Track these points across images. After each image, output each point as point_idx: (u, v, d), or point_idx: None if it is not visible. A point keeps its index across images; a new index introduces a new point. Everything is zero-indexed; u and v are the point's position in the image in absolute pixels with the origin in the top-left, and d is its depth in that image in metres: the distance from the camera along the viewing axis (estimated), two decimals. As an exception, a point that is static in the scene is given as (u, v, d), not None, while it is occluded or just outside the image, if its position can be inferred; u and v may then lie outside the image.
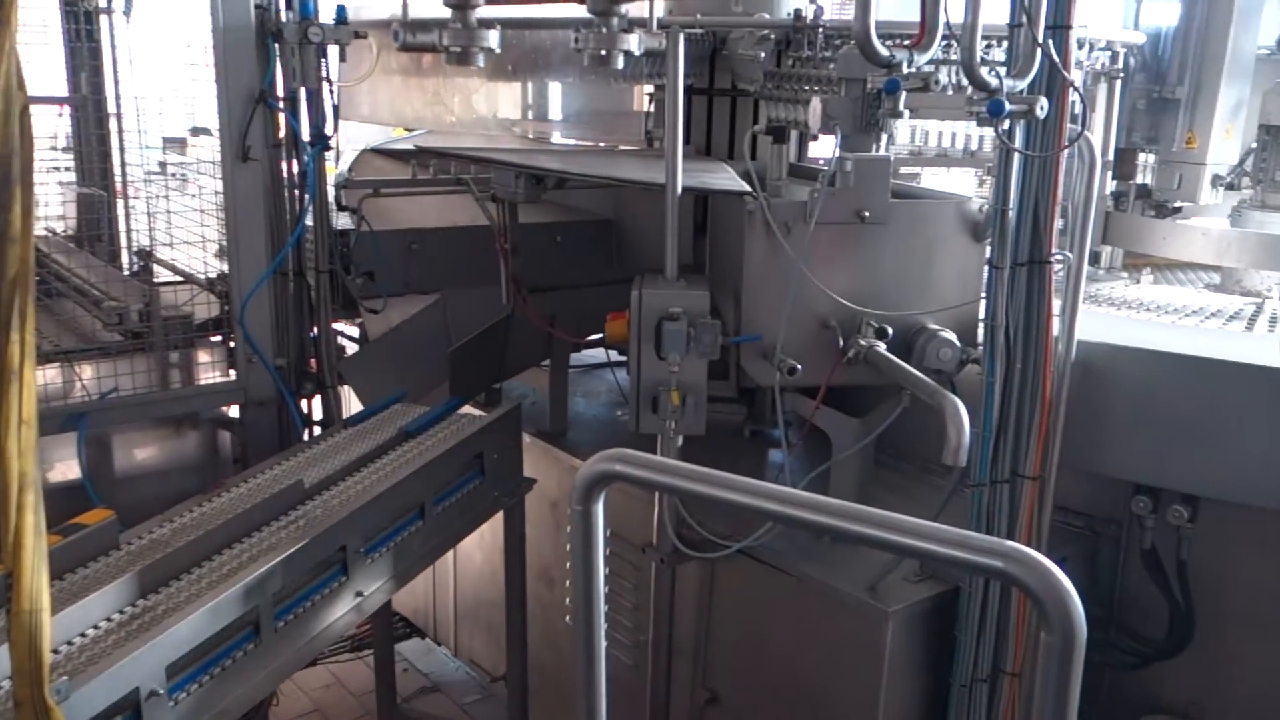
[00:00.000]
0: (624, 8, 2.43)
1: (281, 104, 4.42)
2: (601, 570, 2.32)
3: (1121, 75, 5.59)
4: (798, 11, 4.09)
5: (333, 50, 4.46)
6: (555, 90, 6.01)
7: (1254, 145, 5.96)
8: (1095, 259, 6.10)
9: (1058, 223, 3.40)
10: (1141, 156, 6.66)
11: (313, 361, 4.81)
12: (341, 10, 4.34)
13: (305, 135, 4.52)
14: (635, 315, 3.87)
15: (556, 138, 7.16)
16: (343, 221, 4.84)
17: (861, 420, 3.97)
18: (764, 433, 5.12)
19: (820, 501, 2.04)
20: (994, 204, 3.33)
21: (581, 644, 2.42)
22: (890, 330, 3.80)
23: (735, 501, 2.10)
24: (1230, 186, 6.35)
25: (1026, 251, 3.41)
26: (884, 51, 3.16)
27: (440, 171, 4.93)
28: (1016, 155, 3.29)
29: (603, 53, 2.41)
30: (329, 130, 4.57)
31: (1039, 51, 3.07)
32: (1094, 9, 6.27)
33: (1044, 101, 3.03)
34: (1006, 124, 3.09)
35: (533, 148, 5.26)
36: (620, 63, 2.44)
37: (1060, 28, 3.23)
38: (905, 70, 3.23)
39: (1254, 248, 5.13)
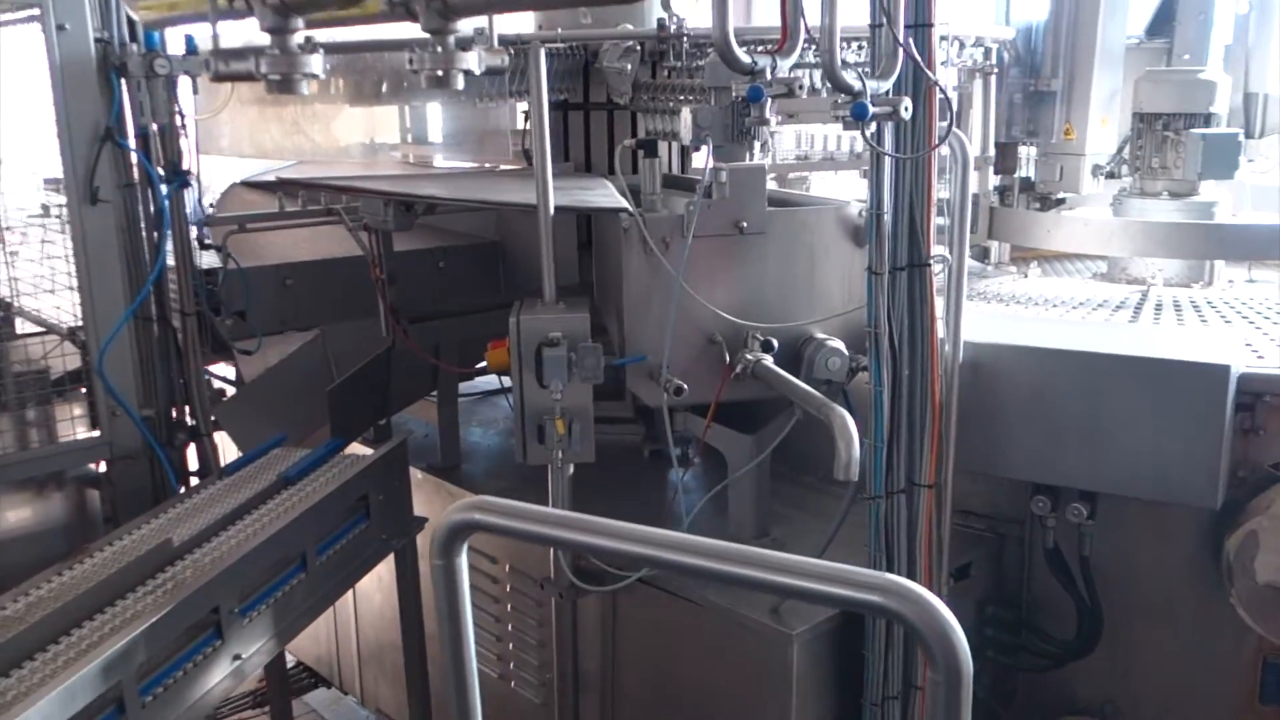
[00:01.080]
0: (460, 24, 2.29)
1: (132, 141, 4.17)
2: (470, 627, 2.16)
3: (995, 71, 5.62)
4: (661, 21, 3.98)
5: (187, 81, 4.24)
6: (434, 111, 5.85)
7: (1130, 134, 6.03)
8: (984, 254, 6.13)
9: (935, 223, 3.34)
10: (1023, 150, 6.74)
11: (186, 409, 4.57)
12: (191, 41, 4.12)
13: (160, 173, 4.27)
14: (514, 342, 3.73)
15: (439, 160, 7.00)
16: (210, 260, 4.60)
17: (755, 436, 3.87)
18: (664, 451, 5.00)
19: (693, 543, 1.92)
20: (869, 209, 3.25)
21: (455, 701, 2.26)
22: (775, 343, 3.71)
23: (604, 548, 1.97)
24: (1111, 175, 6.44)
25: (905, 255, 3.34)
26: (746, 58, 3.07)
27: (311, 202, 4.73)
28: (887, 158, 3.21)
29: (439, 73, 2.27)
30: (187, 166, 4.33)
31: (900, 51, 3.00)
32: (963, 6, 6.32)
33: (908, 102, 2.96)
34: (873, 127, 3.01)
35: (409, 172, 5.08)
36: (460, 83, 2.31)
37: (922, 26, 3.17)
38: (769, 76, 3.14)
39: (1135, 236, 5.18)
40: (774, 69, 3.14)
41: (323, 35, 3.00)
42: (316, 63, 2.41)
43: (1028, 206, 6.80)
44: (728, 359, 3.75)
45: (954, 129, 3.44)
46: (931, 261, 3.37)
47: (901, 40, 3.00)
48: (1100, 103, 6.30)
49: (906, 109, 2.94)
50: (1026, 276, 5.45)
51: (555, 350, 3.60)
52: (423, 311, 4.70)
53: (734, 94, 3.34)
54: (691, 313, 3.73)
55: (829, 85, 3.11)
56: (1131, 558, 3.84)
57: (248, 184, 5.36)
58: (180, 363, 4.49)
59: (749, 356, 3.73)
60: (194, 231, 4.55)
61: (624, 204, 3.74)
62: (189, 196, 4.40)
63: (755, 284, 3.83)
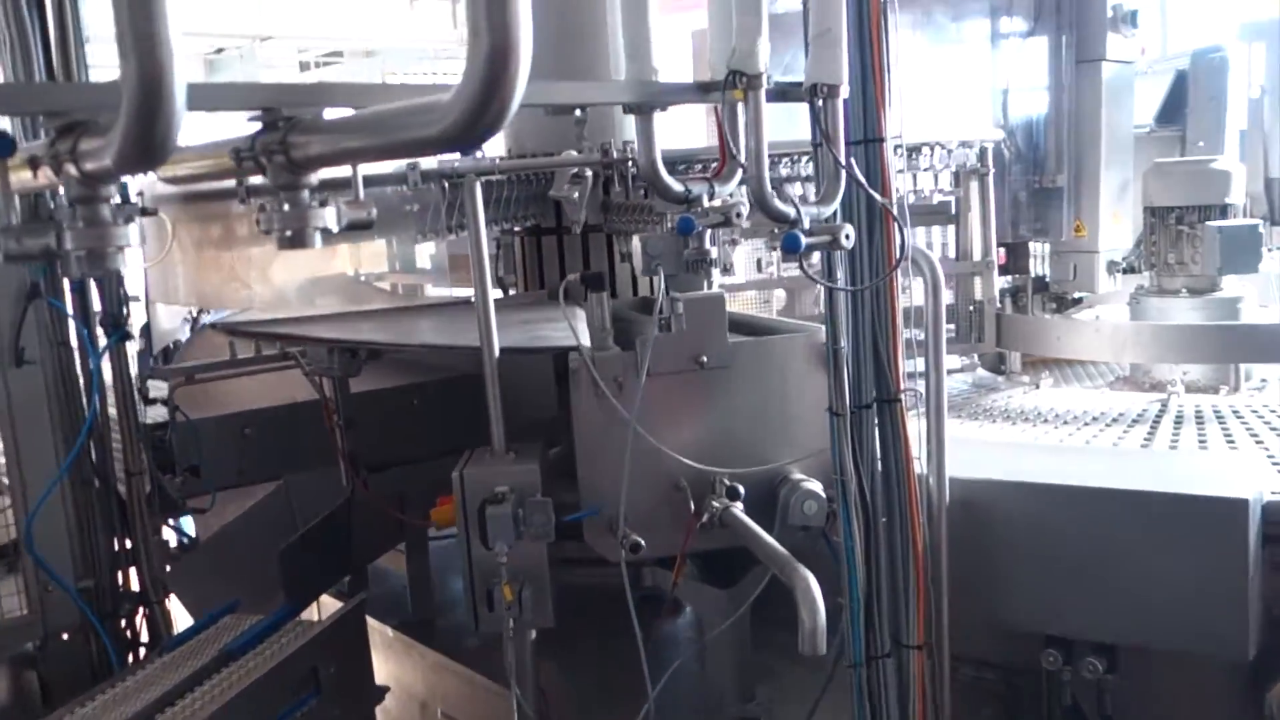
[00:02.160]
0: (314, 177, 2.05)
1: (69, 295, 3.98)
2: None
3: (989, 171, 5.32)
4: (604, 146, 3.75)
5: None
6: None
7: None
8: (1000, 363, 5.74)
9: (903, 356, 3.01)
10: (1036, 247, 6.41)
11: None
12: (123, 188, 3.94)
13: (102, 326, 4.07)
14: (458, 498, 3.41)
15: (430, 289, 6.80)
16: (158, 413, 4.37)
17: (730, 591, 3.50)
18: (653, 595, 4.61)
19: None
20: (826, 342, 2.93)
21: None
22: (742, 489, 3.36)
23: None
24: (1130, 270, 6.08)
25: (871, 390, 3.00)
26: (677, 186, 2.79)
27: (268, 346, 4.50)
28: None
29: (288, 234, 2.02)
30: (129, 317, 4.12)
31: (843, 174, 2.71)
32: (954, 107, 6.07)
33: (849, 230, 2.65)
34: (817, 256, 2.71)
35: (372, 307, 4.83)
36: (315, 241, 2.07)
37: (872, 141, 2.88)
38: (707, 203, 2.86)
39: (1151, 341, 4.79)
40: (711, 195, 2.86)
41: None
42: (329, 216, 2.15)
43: (1043, 307, 6.45)
44: (693, 507, 3.40)
45: (918, 247, 3.13)
46: (903, 395, 3.03)
47: (843, 161, 2.71)
48: (1111, 197, 5.97)
49: (848, 237, 2.64)
50: (1038, 387, 5.06)
51: (499, 508, 3.28)
52: (388, 456, 4.41)
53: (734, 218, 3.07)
54: (651, 458, 3.40)
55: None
56: (1160, 717, 3.38)
57: (215, 326, 5.15)
58: (126, 526, 4.21)
59: (715, 504, 3.38)
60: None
61: (572, 342, 3.44)
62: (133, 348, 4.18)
63: (721, 423, 3.50)
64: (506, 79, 1.55)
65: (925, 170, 4.63)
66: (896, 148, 2.96)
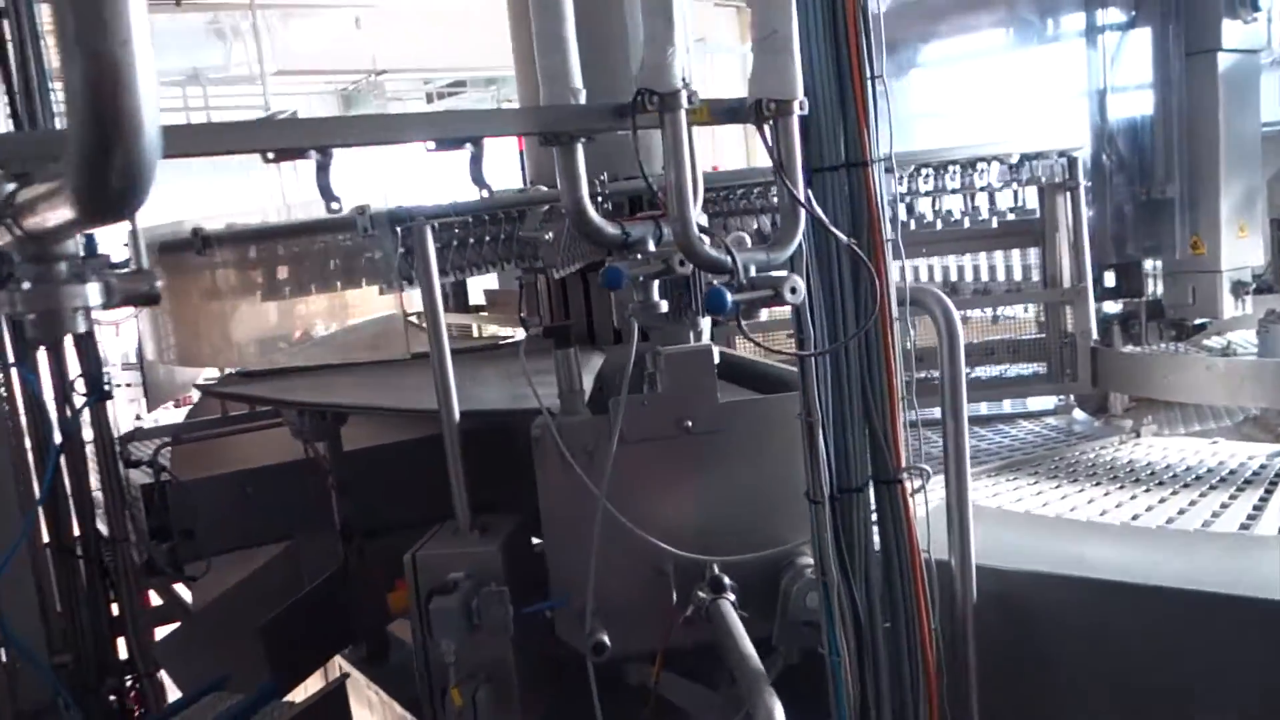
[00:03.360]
0: (70, 245, 1.68)
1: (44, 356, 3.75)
2: None
3: (1076, 185, 4.63)
4: (533, 183, 3.29)
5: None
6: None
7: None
8: (1103, 404, 5.02)
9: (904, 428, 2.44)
10: (1152, 265, 5.64)
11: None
12: (91, 241, 3.69)
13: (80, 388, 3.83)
14: (411, 583, 3.01)
15: (474, 329, 6.46)
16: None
17: (724, 690, 2.98)
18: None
19: None
20: (800, 414, 2.40)
21: None
22: (728, 580, 2.83)
23: None
24: (1265, 290, 5.28)
25: (864, 470, 2.46)
26: (611, 229, 2.31)
27: (260, 404, 4.20)
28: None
29: (35, 320, 1.66)
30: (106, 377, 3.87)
31: (802, 212, 2.19)
32: (1043, 117, 5.39)
33: (796, 282, 2.12)
34: (765, 314, 2.18)
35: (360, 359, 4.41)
36: (78, 325, 1.70)
37: (854, 165, 2.35)
38: (652, 247, 2.37)
39: (1273, 381, 4.02)
40: (659, 239, 2.36)
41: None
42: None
43: (1160, 336, 5.67)
44: (674, 598, 2.90)
45: (925, 286, 2.57)
46: (907, 476, 2.47)
47: (801, 196, 2.18)
48: (1234, 207, 5.17)
49: (794, 290, 2.11)
50: (1138, 435, 4.33)
51: (446, 600, 2.85)
52: (386, 520, 4.04)
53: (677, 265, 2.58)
54: (629, 539, 2.91)
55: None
56: None
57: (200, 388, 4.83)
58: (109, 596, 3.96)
59: (701, 595, 2.87)
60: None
61: (539, 405, 2.99)
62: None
63: (712, 498, 3.00)
64: (120, 120, 1.10)
65: (1002, 187, 4.00)
66: (893, 169, 2.41)
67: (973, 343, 5.21)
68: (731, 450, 2.99)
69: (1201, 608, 2.46)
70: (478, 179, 2.29)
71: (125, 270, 1.83)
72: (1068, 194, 4.68)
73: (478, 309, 6.32)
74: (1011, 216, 4.51)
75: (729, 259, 2.10)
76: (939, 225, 3.97)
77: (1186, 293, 5.32)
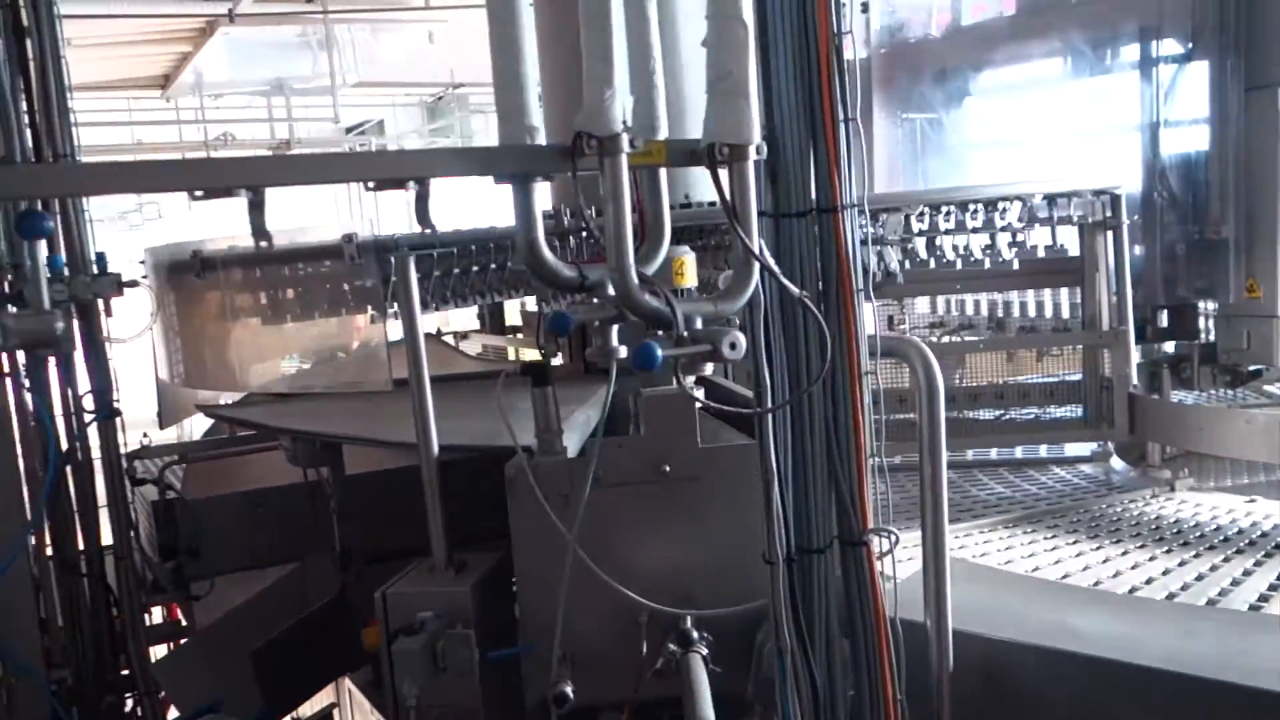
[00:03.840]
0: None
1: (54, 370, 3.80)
2: None
3: (1118, 224, 4.42)
4: (556, 211, 3.21)
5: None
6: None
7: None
8: (1142, 452, 4.76)
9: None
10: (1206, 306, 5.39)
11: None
12: (102, 258, 3.74)
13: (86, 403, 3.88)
14: (382, 623, 2.96)
15: (510, 351, 6.41)
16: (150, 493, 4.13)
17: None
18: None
19: None
20: (761, 472, 2.29)
21: None
22: (695, 635, 2.73)
23: None
24: (1328, 337, 4.99)
25: (828, 530, 2.34)
26: (567, 272, 2.23)
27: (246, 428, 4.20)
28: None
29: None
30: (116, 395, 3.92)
31: (755, 264, 2.08)
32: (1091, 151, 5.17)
33: (736, 338, 2.01)
34: (710, 368, 2.08)
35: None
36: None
37: (824, 211, 2.24)
38: (611, 291, 2.28)
39: (1317, 438, 3.77)
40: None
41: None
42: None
43: (1214, 381, 5.41)
44: (645, 649, 2.80)
45: (902, 336, 2.44)
46: (870, 538, 2.34)
47: (754, 246, 2.08)
48: (1293, 249, 4.91)
49: (734, 346, 2.00)
50: (1173, 488, 4.10)
51: (410, 641, 2.79)
52: (386, 546, 3.99)
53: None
54: (603, 587, 2.82)
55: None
56: None
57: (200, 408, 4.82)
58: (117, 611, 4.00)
59: (672, 648, 2.76)
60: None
61: (515, 444, 2.92)
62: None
63: (690, 545, 2.89)
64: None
65: (1024, 227, 3.82)
66: (864, 213, 2.30)
67: (1009, 383, 5.03)
68: (712, 497, 2.88)
69: (1188, 692, 2.28)
70: (422, 218, 2.23)
71: (24, 312, 1.80)
72: (1109, 233, 4.45)
73: (514, 330, 6.28)
74: (1042, 254, 4.32)
75: (666, 307, 2.00)
76: (959, 264, 3.81)
77: (1241, 337, 5.07)
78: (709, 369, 2.08)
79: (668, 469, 2.87)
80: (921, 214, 3.46)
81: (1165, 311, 5.30)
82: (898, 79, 6.28)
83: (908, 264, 3.83)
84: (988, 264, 3.74)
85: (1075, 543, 3.56)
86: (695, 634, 2.73)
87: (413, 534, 3.88)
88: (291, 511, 4.18)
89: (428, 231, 2.90)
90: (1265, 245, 4.92)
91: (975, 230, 3.64)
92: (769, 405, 2.19)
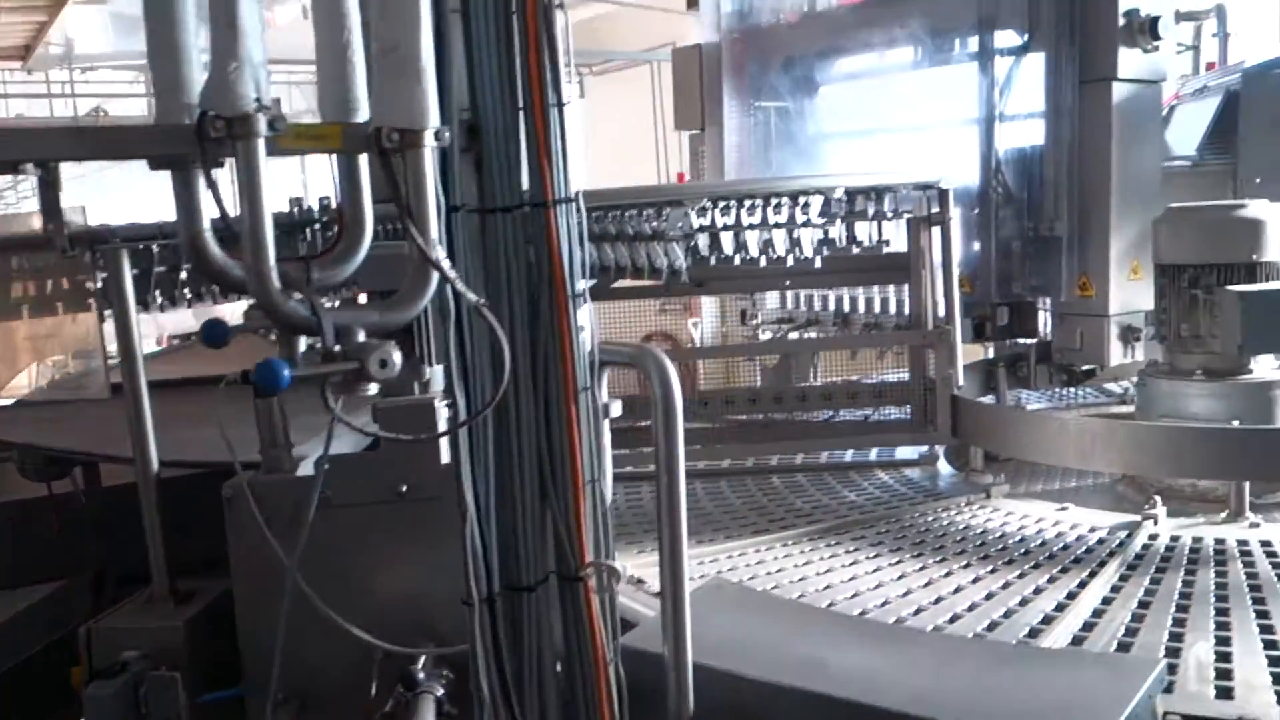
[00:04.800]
0: None
1: None
2: None
3: (942, 220, 4.27)
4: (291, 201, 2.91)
5: None
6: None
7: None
8: (961, 455, 4.60)
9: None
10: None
11: None
12: None
13: None
14: (86, 663, 2.64)
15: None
16: None
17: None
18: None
19: None
20: (459, 504, 2.03)
21: None
22: (421, 676, 2.46)
23: None
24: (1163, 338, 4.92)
25: (542, 564, 2.09)
26: (238, 271, 1.93)
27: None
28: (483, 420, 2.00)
29: None
30: None
31: (432, 274, 1.82)
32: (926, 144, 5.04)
33: (388, 354, 1.74)
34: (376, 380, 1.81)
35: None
36: None
37: (536, 206, 1.98)
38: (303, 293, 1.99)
39: (1126, 447, 3.63)
40: (308, 282, 1.99)
41: None
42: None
43: (1050, 379, 5.33)
44: (374, 690, 2.53)
45: (639, 344, 2.21)
46: (586, 574, 2.10)
47: (427, 246, 1.81)
48: (1125, 248, 4.83)
49: (384, 364, 1.74)
50: (988, 495, 3.96)
51: (102, 687, 2.48)
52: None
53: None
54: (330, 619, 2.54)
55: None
56: None
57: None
58: None
59: (402, 690, 2.50)
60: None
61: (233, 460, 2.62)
62: None
63: (431, 573, 2.62)
64: None
65: (826, 223, 3.62)
66: (581, 209, 2.05)
67: (835, 383, 4.86)
68: (455, 520, 2.61)
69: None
70: (51, 211, 1.92)
71: None
72: (936, 229, 4.29)
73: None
74: (856, 251, 4.14)
75: (311, 315, 1.72)
76: (762, 261, 3.60)
77: (1074, 336, 4.99)
78: (373, 389, 1.80)
79: (405, 489, 2.61)
80: (704, 209, 3.23)
81: (1004, 309, 5.21)
82: (748, 66, 6.09)
83: (714, 259, 3.61)
84: (790, 261, 3.53)
85: (876, 556, 3.39)
86: (424, 674, 2.47)
87: (177, 551, 3.55)
88: (34, 528, 3.79)
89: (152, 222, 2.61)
90: (1097, 243, 4.84)
91: (777, 225, 3.43)
92: (436, 432, 1.93)
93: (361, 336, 1.76)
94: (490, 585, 2.03)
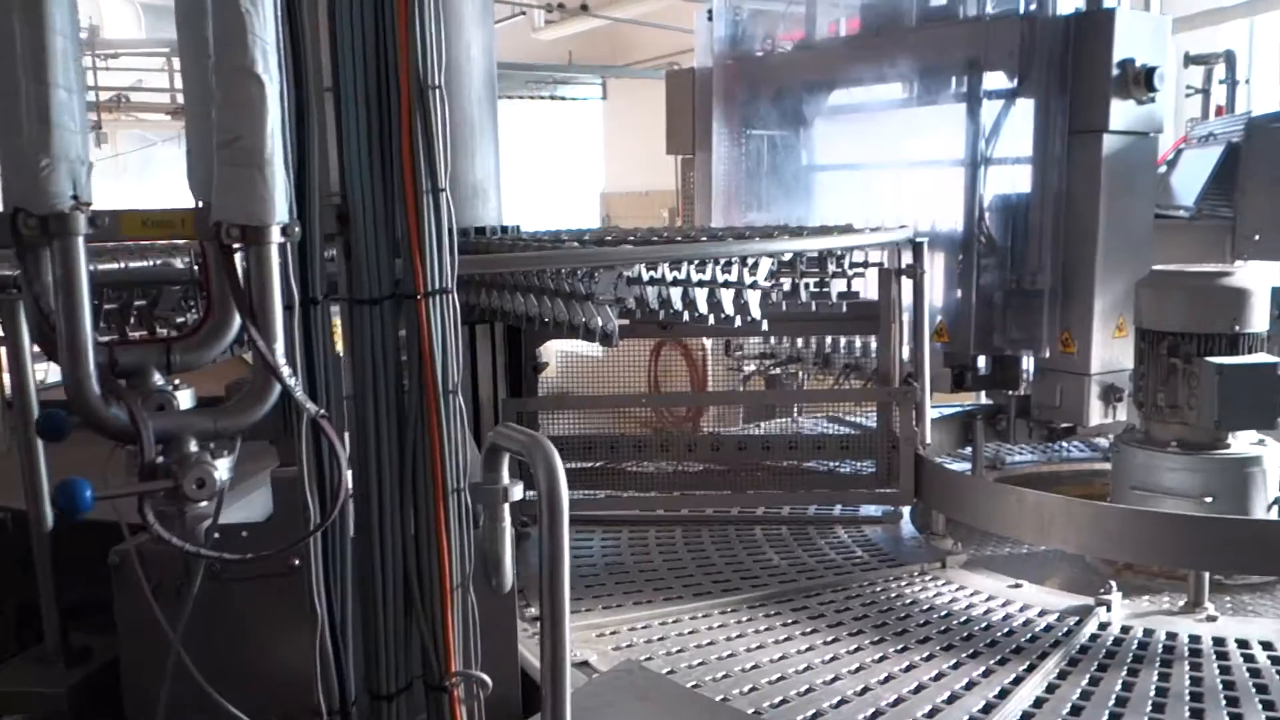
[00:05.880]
0: None
1: None
2: None
3: (915, 273, 4.13)
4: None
5: None
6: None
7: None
8: (925, 514, 4.44)
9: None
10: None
11: None
12: None
13: None
14: (-34, 726, 2.56)
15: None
16: None
17: None
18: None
19: None
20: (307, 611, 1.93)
21: None
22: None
23: None
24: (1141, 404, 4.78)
25: (400, 674, 1.99)
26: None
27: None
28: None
29: None
30: None
31: (273, 384, 1.71)
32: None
33: (206, 474, 1.64)
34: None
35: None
36: None
37: (407, 297, 1.87)
38: (158, 380, 1.89)
39: (1085, 527, 3.48)
40: (169, 367, 1.89)
41: None
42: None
43: (1030, 435, 5.19)
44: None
45: (542, 439, 2.09)
46: (455, 684, 1.99)
47: (265, 349, 1.70)
48: (1110, 305, 4.67)
49: (201, 484, 1.63)
50: (943, 565, 3.82)
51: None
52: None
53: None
54: (223, 695, 2.44)
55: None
56: None
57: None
58: None
59: (283, 773, 2.40)
60: None
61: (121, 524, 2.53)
62: None
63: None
64: None
65: (773, 286, 3.49)
66: (453, 294, 1.94)
67: (802, 433, 4.73)
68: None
69: None
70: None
71: None
72: (908, 280, 4.16)
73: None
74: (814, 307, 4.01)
75: (129, 423, 1.62)
76: (711, 319, 3.46)
77: (1054, 393, 4.83)
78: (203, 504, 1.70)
79: (297, 561, 2.50)
80: (636, 277, 3.09)
81: (986, 358, 5.06)
82: (739, 94, 5.94)
83: (664, 314, 3.48)
84: (739, 321, 3.40)
85: (812, 633, 3.27)
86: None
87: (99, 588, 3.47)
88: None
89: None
90: (1081, 299, 4.68)
91: (726, 284, 3.31)
92: (306, 530, 1.82)
93: (193, 445, 1.66)
94: (345, 694, 1.92)
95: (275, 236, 1.70)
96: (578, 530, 4.28)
